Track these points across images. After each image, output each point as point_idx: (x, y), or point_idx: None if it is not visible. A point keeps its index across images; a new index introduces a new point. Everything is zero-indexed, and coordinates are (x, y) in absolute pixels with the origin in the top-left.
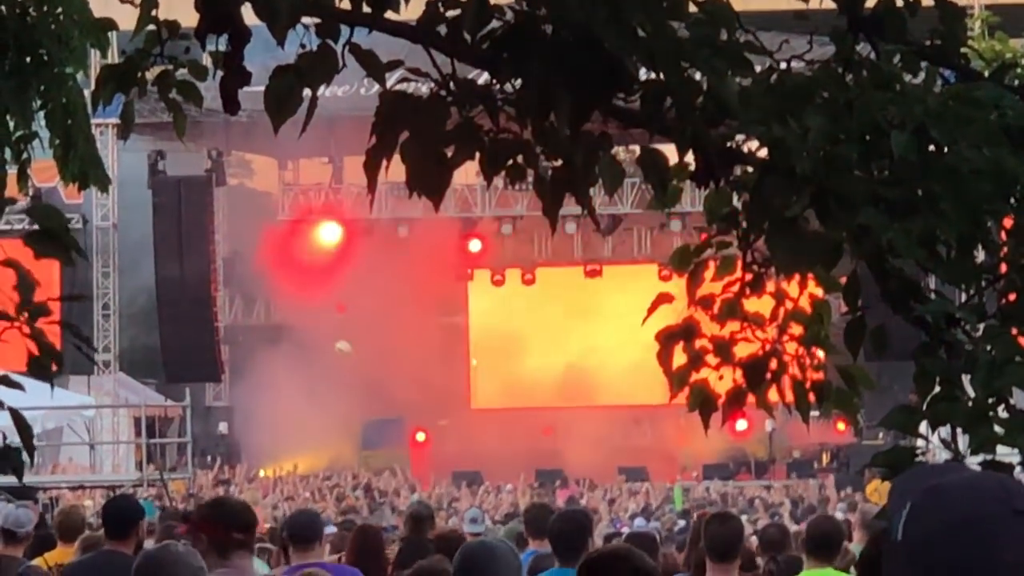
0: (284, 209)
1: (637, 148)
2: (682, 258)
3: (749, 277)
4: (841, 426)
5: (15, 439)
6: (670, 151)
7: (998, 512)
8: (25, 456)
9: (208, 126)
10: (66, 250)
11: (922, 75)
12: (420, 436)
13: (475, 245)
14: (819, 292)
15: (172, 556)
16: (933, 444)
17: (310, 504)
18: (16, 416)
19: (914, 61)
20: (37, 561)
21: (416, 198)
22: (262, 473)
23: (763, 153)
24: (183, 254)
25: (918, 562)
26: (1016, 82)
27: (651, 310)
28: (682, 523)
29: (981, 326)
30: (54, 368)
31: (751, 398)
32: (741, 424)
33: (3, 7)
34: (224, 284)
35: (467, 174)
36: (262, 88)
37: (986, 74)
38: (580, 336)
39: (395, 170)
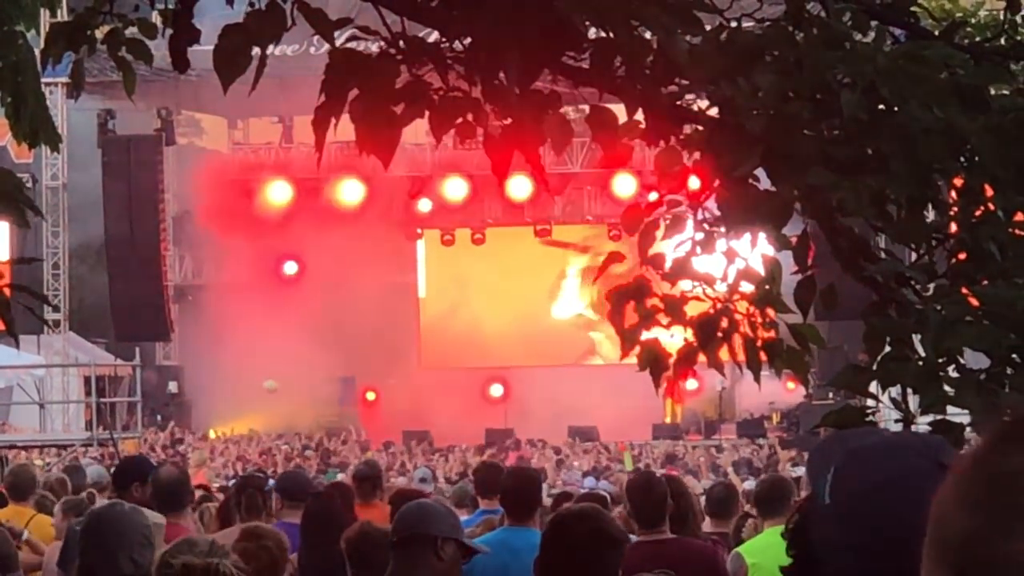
0: (234, 167)
1: (587, 108)
2: (632, 218)
3: (700, 236)
4: (791, 385)
5: None
6: (620, 111)
7: (922, 468)
8: None
9: (158, 85)
10: (20, 212)
11: (872, 34)
12: (370, 395)
13: (425, 205)
14: (770, 251)
15: (115, 514)
16: (883, 404)
17: (254, 465)
18: None
19: (864, 20)
20: None
21: (366, 157)
22: (212, 433)
23: (713, 112)
24: (132, 213)
25: (847, 523)
26: (966, 41)
27: (602, 269)
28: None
29: (931, 286)
30: (1, 327)
31: (702, 357)
32: (691, 384)
33: None
34: (174, 243)
35: (417, 133)
36: (212, 47)
37: (936, 33)
38: (530, 296)
39: (345, 129)
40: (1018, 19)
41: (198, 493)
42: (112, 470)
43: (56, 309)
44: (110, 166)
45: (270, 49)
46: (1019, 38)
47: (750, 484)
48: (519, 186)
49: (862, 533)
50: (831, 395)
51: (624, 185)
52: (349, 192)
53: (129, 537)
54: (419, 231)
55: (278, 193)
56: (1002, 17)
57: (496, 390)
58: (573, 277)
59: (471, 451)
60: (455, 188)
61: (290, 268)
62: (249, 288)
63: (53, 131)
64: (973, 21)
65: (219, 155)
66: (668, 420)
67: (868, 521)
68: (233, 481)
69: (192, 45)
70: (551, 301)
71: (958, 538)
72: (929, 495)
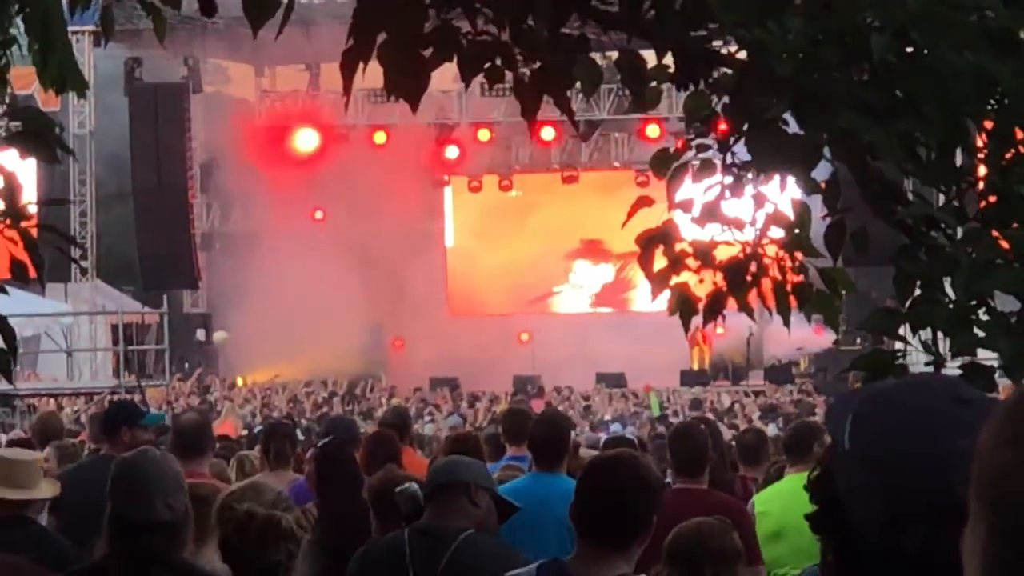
0: (261, 115)
1: (615, 55)
2: (662, 162)
3: (729, 180)
4: (819, 328)
5: None
6: (650, 57)
7: (943, 403)
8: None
9: (184, 33)
10: (51, 150)
11: None
12: (397, 343)
13: (452, 151)
14: (800, 195)
15: (149, 459)
16: (913, 347)
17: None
18: None
19: None
20: None
21: (394, 104)
22: (239, 381)
23: (743, 56)
24: (160, 161)
25: (870, 466)
26: None
27: (631, 214)
28: (661, 428)
29: (961, 229)
30: (34, 274)
31: (732, 303)
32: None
33: None
34: (201, 191)
35: (444, 80)
36: None
37: None
38: (558, 243)
39: (373, 77)
40: None
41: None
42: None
43: (84, 257)
44: (137, 114)
45: None
46: None
47: (773, 430)
48: (546, 133)
49: (885, 474)
50: (859, 341)
51: (653, 132)
52: (377, 140)
53: (164, 482)
54: (446, 178)
55: (305, 141)
56: None
57: (524, 337)
58: (600, 224)
59: (501, 397)
60: (482, 136)
61: (318, 215)
62: (276, 236)
63: (80, 77)
64: None
65: (246, 103)
66: (695, 367)
67: (891, 461)
68: (260, 429)
69: None
70: (578, 247)
71: (994, 472)
72: (950, 430)
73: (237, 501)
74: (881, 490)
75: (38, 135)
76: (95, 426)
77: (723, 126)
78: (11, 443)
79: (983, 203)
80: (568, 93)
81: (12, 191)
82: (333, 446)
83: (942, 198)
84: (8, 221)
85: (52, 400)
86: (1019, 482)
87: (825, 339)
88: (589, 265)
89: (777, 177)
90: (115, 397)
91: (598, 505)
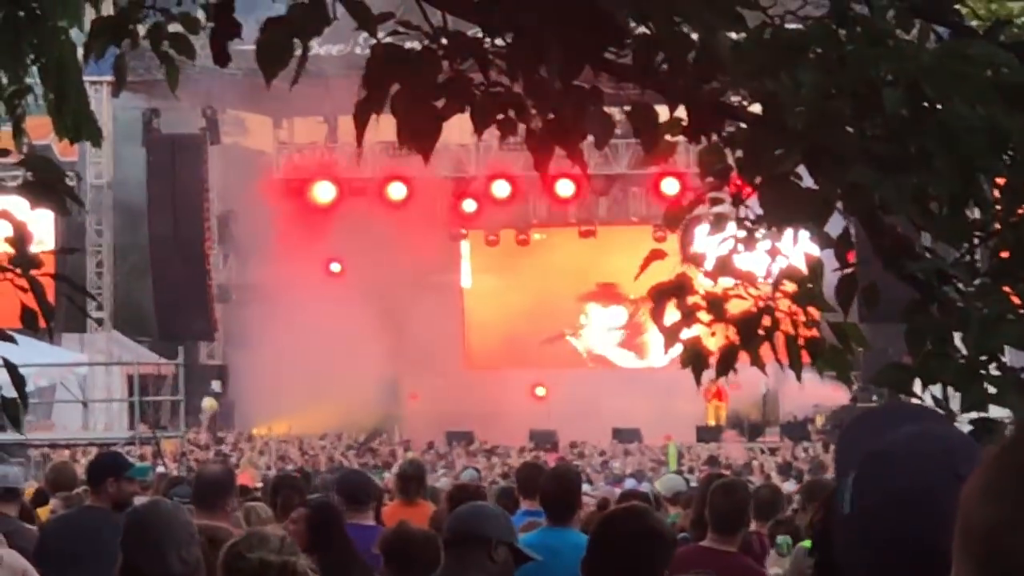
0: (278, 167)
1: (630, 108)
2: (675, 216)
3: (742, 234)
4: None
5: (11, 393)
6: (663, 112)
7: (942, 480)
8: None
9: (203, 84)
10: (61, 200)
11: (915, 32)
12: (413, 396)
13: (469, 205)
14: (812, 249)
15: (162, 511)
16: (925, 403)
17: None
18: (8, 366)
19: (908, 18)
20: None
21: (411, 156)
22: (254, 432)
23: (756, 109)
24: (177, 212)
25: (867, 536)
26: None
27: (643, 267)
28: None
29: (974, 283)
30: (43, 323)
31: (744, 357)
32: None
33: None
34: (218, 242)
35: (462, 133)
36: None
37: (981, 33)
38: (574, 297)
39: (390, 129)
40: None
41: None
42: (87, 467)
43: (100, 307)
44: (154, 165)
45: (316, 48)
46: None
47: (790, 486)
48: (563, 187)
49: (878, 547)
50: (875, 398)
51: (670, 187)
52: (394, 192)
53: (177, 535)
54: (463, 232)
55: (323, 193)
56: None
57: (540, 391)
58: (616, 278)
59: (514, 452)
60: (499, 189)
61: (334, 268)
62: (293, 288)
63: (95, 127)
64: (1020, 21)
65: (264, 155)
66: (711, 422)
67: (884, 535)
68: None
69: (233, 39)
70: (595, 303)
71: (981, 528)
72: (948, 509)
73: (246, 550)
74: (877, 568)
75: (48, 185)
76: None
77: (737, 180)
78: None
79: (995, 258)
80: (584, 147)
81: (22, 239)
82: (319, 504)
83: (955, 252)
84: (19, 270)
85: (67, 451)
86: (1007, 539)
87: (842, 396)
88: (600, 308)
89: (790, 231)
90: (129, 449)
91: (611, 556)
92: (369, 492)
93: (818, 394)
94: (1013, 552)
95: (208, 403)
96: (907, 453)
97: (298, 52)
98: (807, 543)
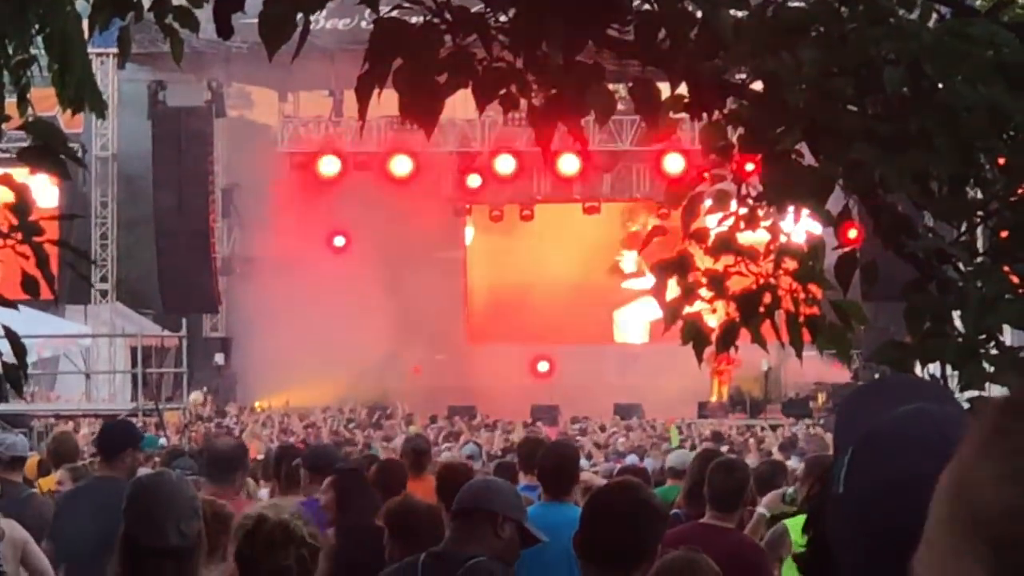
0: (283, 141)
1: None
2: (676, 192)
3: (744, 211)
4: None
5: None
6: (665, 88)
7: (935, 468)
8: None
9: (209, 57)
10: (62, 164)
11: (917, 11)
12: (416, 370)
13: (474, 180)
14: (814, 226)
15: (165, 483)
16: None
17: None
18: (10, 334)
19: None
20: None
21: (416, 132)
22: (257, 405)
23: (757, 86)
24: (182, 185)
25: (857, 520)
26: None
27: (645, 243)
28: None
29: (973, 263)
30: (48, 293)
31: (745, 335)
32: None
33: None
34: (222, 215)
35: (467, 108)
36: None
37: (983, 13)
38: (577, 273)
39: (394, 104)
40: None
41: None
42: (95, 437)
43: (104, 279)
44: (160, 138)
45: (321, 23)
46: None
47: (794, 463)
48: (568, 163)
49: (866, 532)
50: (876, 376)
51: (673, 163)
52: (398, 167)
53: (178, 507)
54: (468, 207)
55: (328, 167)
56: None
57: (543, 366)
58: (619, 254)
59: (517, 426)
60: (504, 164)
61: (338, 242)
62: (297, 261)
63: (99, 98)
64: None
65: (268, 128)
66: (714, 399)
67: (873, 521)
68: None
69: (236, 11)
70: (598, 278)
71: (996, 512)
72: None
73: (247, 516)
74: (865, 551)
75: (48, 148)
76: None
77: (739, 157)
78: None
79: (995, 238)
80: (586, 123)
81: (25, 205)
82: (349, 472)
83: (955, 232)
84: (20, 235)
85: (70, 421)
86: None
87: (843, 374)
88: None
89: (792, 208)
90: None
91: (602, 530)
92: (332, 464)
93: (819, 372)
94: None
95: (195, 397)
96: (899, 437)
97: (301, 26)
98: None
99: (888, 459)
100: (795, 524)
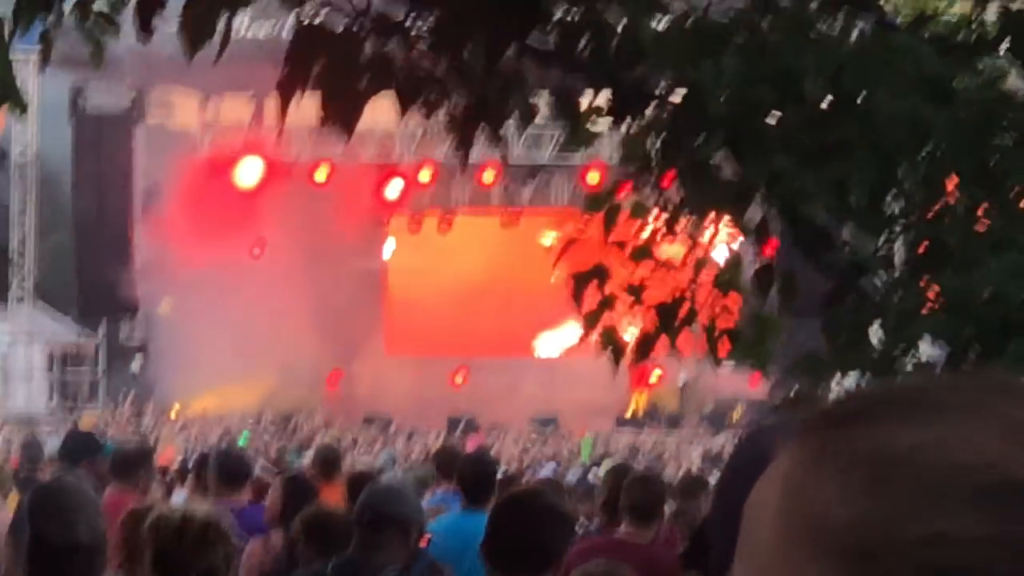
0: (203, 147)
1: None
2: (596, 200)
3: (663, 219)
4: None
5: None
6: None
7: (761, 465)
8: None
9: (131, 63)
10: None
11: (839, 25)
12: (334, 378)
13: (393, 190)
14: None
15: (68, 485)
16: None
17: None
18: None
19: (831, 8)
20: None
21: (336, 143)
22: (173, 413)
23: (678, 96)
24: (102, 189)
25: (716, 505)
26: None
27: (561, 252)
28: (578, 474)
29: (888, 275)
30: None
31: (661, 346)
32: (654, 375)
33: None
34: (142, 221)
35: (387, 118)
36: None
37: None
38: (496, 284)
39: (316, 112)
40: (985, 17)
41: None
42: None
43: (23, 281)
44: (81, 142)
45: (242, 32)
46: (986, 36)
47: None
48: (487, 174)
49: (720, 519)
50: (792, 393)
51: (594, 176)
52: (319, 175)
53: (85, 506)
54: (386, 217)
55: (249, 171)
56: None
57: (459, 378)
58: (537, 264)
59: (432, 436)
60: (424, 175)
61: (257, 250)
62: (216, 268)
63: (18, 96)
64: (943, 19)
65: (190, 134)
66: (632, 412)
67: (725, 513)
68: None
69: (156, 12)
70: (516, 289)
71: (844, 523)
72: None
73: (169, 512)
74: (720, 535)
75: None
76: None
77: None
78: None
79: (913, 250)
80: (506, 134)
81: None
82: (293, 477)
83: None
84: None
85: None
86: (886, 532)
87: (761, 389)
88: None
89: (712, 216)
90: (48, 423)
91: (509, 537)
92: (245, 471)
93: (736, 386)
94: (888, 544)
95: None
96: (764, 433)
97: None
98: None
99: (742, 447)
100: None
